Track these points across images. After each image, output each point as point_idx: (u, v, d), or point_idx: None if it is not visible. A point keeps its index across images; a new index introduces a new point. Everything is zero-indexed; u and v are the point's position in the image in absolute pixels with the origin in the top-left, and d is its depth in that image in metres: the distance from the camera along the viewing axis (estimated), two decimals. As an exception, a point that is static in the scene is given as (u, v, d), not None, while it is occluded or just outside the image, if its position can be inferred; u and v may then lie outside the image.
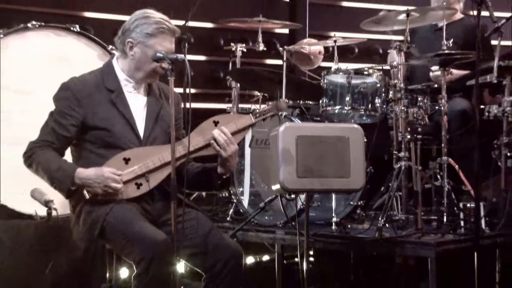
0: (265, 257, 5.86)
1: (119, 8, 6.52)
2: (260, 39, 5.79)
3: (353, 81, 5.47)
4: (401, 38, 5.70)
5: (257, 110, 4.51)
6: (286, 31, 6.72)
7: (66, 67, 4.88)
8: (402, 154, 5.13)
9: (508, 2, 7.60)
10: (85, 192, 3.85)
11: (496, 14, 5.17)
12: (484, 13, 4.95)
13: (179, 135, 4.03)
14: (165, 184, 3.96)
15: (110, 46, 5.32)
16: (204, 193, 5.68)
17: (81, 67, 4.57)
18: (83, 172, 3.86)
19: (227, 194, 5.72)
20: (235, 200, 5.61)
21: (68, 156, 4.18)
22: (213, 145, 3.97)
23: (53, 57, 5.21)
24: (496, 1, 5.72)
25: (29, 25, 5.19)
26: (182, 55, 4.03)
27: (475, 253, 4.46)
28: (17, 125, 4.83)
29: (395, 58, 5.61)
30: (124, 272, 4.69)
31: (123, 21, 6.07)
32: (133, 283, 3.79)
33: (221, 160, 4.05)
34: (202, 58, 4.10)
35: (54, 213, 4.06)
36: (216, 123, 4.09)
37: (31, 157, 3.95)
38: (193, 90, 3.96)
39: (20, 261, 4.91)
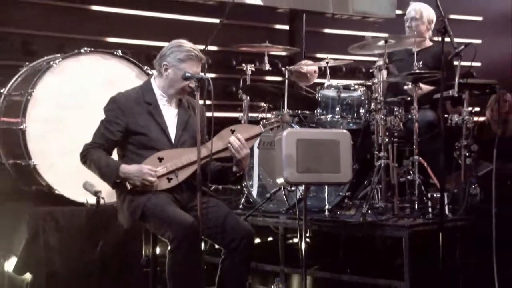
0: (270, 238, 5.92)
1: (150, 36, 6.54)
2: (266, 60, 5.80)
3: (342, 95, 5.48)
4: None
5: (266, 121, 4.60)
6: (287, 54, 6.71)
7: (111, 84, 4.90)
8: (381, 154, 5.14)
9: (467, 30, 7.78)
10: (127, 184, 3.98)
11: (458, 40, 5.21)
12: (448, 40, 5.02)
13: (203, 140, 4.08)
14: (190, 178, 4.05)
15: (146, 67, 5.37)
16: (220, 186, 5.69)
17: (123, 84, 4.63)
18: (126, 168, 3.98)
19: (239, 187, 5.68)
20: (246, 191, 5.59)
21: (114, 155, 4.25)
22: (230, 148, 4.09)
23: (101, 77, 5.18)
24: (457, 29, 5.86)
25: (82, 50, 5.17)
26: (205, 75, 4.08)
27: (440, 234, 4.51)
28: (73, 133, 4.80)
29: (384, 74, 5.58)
30: (159, 249, 4.59)
31: (154, 46, 6.20)
32: (167, 258, 3.89)
33: (235, 161, 4.15)
34: (218, 76, 4.16)
35: (101, 201, 4.45)
36: (232, 131, 4.18)
37: (86, 156, 4.07)
38: (211, 102, 4.09)
39: (74, 240, 4.88)
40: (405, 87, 5.43)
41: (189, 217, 3.86)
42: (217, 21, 6.27)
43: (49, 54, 5.53)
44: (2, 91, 5.33)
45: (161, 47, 5.85)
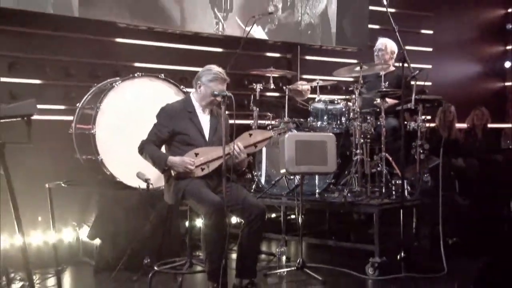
0: (274, 214, 5.97)
1: (182, 62, 6.44)
2: (271, 81, 5.75)
3: (328, 107, 5.46)
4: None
5: (276, 128, 4.71)
6: (286, 76, 6.57)
7: (156, 100, 4.82)
8: (358, 151, 5.15)
9: (421, 58, 7.73)
10: (172, 171, 4.05)
11: (414, 65, 5.27)
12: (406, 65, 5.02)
13: (226, 141, 4.02)
14: (218, 169, 4.06)
15: (182, 86, 5.34)
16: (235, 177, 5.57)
17: (165, 99, 4.62)
18: (172, 159, 4.05)
19: (251, 176, 5.65)
20: (256, 179, 5.56)
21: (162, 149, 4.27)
22: (234, 154, 4.07)
23: (149, 94, 5.16)
24: (413, 57, 5.80)
25: (135, 75, 5.17)
26: (228, 92, 4.11)
27: (401, 210, 4.64)
28: (128, 136, 4.75)
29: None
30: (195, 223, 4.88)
31: (186, 71, 6.31)
32: (202, 227, 4.01)
33: (239, 164, 4.21)
34: (235, 92, 4.26)
35: (150, 186, 4.40)
36: (250, 135, 4.26)
37: (142, 149, 4.14)
38: (230, 112, 4.19)
39: (130, 215, 4.89)
40: (375, 102, 5.38)
41: (217, 197, 3.90)
42: (230, 51, 6.34)
43: (107, 78, 5.52)
44: (77, 105, 5.31)
45: (181, 71, 6.04)
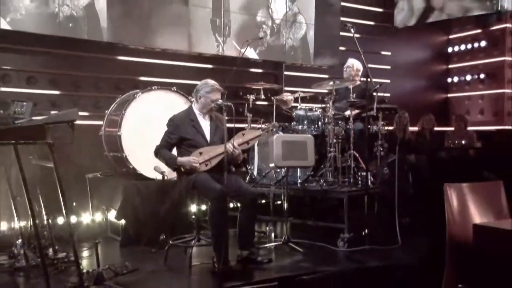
0: (263, 201, 5.79)
1: (190, 77, 6.26)
2: (262, 92, 5.72)
3: (308, 113, 5.44)
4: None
5: (263, 128, 4.67)
6: (274, 88, 6.33)
7: (170, 108, 4.78)
8: (331, 149, 5.15)
9: (381, 74, 7.57)
10: (182, 168, 4.05)
11: (375, 80, 5.36)
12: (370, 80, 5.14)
13: (224, 140, 3.96)
14: (219, 163, 4.02)
15: (190, 97, 5.07)
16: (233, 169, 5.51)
17: (176, 108, 4.67)
18: (180, 160, 4.07)
19: (245, 169, 5.59)
20: (250, 172, 5.54)
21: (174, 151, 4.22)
22: (228, 150, 3.96)
23: (164, 103, 5.14)
24: (375, 74, 5.77)
25: (152, 88, 5.19)
26: (224, 101, 4.08)
27: (365, 196, 4.74)
28: (147, 138, 4.69)
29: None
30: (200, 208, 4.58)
31: (192, 84, 6.04)
32: (208, 211, 3.97)
33: (235, 157, 4.17)
34: (232, 101, 4.23)
35: (165, 177, 4.52)
36: (243, 134, 4.24)
37: (157, 152, 4.15)
38: (229, 117, 4.19)
39: (149, 201, 4.87)
40: (346, 112, 5.40)
41: (220, 186, 3.86)
42: (228, 68, 6.12)
43: (129, 90, 5.49)
44: (106, 112, 5.30)
45: (189, 84, 5.90)
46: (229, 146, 4.04)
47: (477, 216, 2.16)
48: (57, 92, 5.64)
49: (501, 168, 4.54)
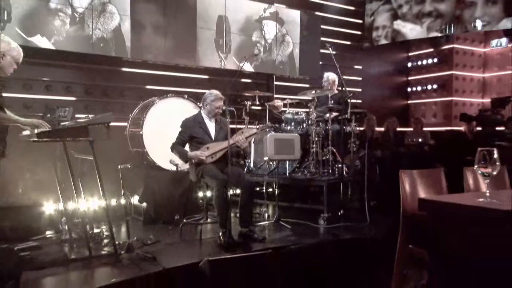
0: (258, 188, 5.42)
1: (197, 87, 6.23)
2: (256, 99, 5.67)
3: (295, 117, 5.41)
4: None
5: (258, 127, 4.76)
6: (266, 95, 6.15)
7: (182, 112, 4.76)
8: (314, 146, 5.15)
9: (354, 84, 7.71)
10: (192, 160, 4.09)
11: (349, 89, 5.49)
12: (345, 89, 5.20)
13: (227, 138, 4.00)
14: (223, 156, 4.08)
15: (198, 103, 5.16)
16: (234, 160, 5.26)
17: (187, 112, 4.65)
18: (190, 154, 4.11)
19: (243, 162, 5.50)
20: (247, 164, 5.46)
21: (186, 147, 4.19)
22: (237, 142, 4.12)
23: (177, 108, 5.13)
24: (349, 84, 5.97)
25: (168, 95, 5.20)
26: (228, 107, 4.11)
27: (341, 184, 4.80)
28: (163, 136, 4.58)
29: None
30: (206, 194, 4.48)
31: (200, 92, 5.82)
32: (214, 195, 3.94)
33: (241, 148, 4.26)
34: (232, 106, 4.17)
35: (179, 169, 4.68)
36: (242, 132, 4.24)
37: (173, 148, 4.16)
38: (232, 120, 4.18)
39: (166, 187, 4.83)
40: (325, 115, 5.31)
41: (224, 176, 3.91)
42: (229, 79, 5.97)
43: (149, 97, 5.40)
44: (130, 115, 5.29)
45: (197, 92, 5.83)
46: (240, 138, 4.09)
47: (422, 193, 2.20)
48: (90, 99, 5.66)
49: (448, 160, 4.63)
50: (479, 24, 6.91)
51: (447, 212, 1.69)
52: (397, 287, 2.45)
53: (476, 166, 1.72)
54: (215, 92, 4.25)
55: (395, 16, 7.79)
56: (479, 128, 6.13)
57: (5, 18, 4.83)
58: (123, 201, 4.49)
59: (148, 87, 6.09)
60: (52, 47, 5.20)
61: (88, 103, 5.63)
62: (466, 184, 2.23)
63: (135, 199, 4.94)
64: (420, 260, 2.21)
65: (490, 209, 1.56)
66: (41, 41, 5.10)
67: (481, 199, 1.69)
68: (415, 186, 2.27)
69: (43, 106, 4.88)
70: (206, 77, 6.58)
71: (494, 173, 1.70)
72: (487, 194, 1.72)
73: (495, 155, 1.69)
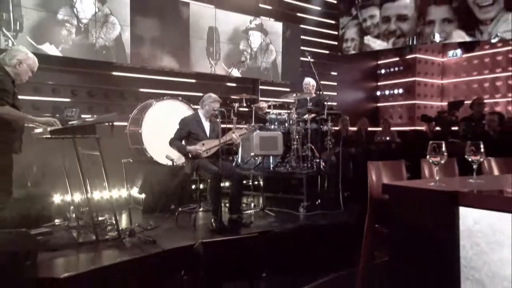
0: (245, 181, 5.18)
1: (190, 90, 6.28)
2: (244, 101, 5.62)
3: (278, 117, 5.40)
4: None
5: (247, 128, 4.64)
6: (252, 98, 5.96)
7: (177, 113, 4.78)
8: (294, 143, 5.14)
9: (331, 88, 7.73)
10: (189, 154, 4.06)
11: (326, 93, 5.51)
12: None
13: (219, 136, 4.04)
14: (215, 152, 4.07)
15: (191, 104, 5.27)
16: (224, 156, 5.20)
17: (181, 113, 4.64)
18: (188, 148, 4.07)
19: (232, 158, 5.51)
20: (235, 159, 5.47)
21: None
22: (232, 139, 4.13)
23: (173, 110, 5.09)
24: (326, 88, 5.88)
25: (164, 98, 5.17)
26: (219, 108, 4.09)
27: (319, 177, 4.82)
28: (161, 134, 4.50)
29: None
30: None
31: (192, 95, 6.05)
32: (208, 186, 4.00)
33: (234, 145, 4.29)
34: (224, 108, 4.11)
35: (174, 163, 4.65)
36: (233, 132, 4.25)
37: (171, 142, 4.12)
38: (223, 120, 4.14)
39: (163, 180, 4.76)
40: (305, 116, 5.30)
41: (217, 168, 3.89)
42: (219, 83, 6.22)
43: (146, 100, 5.34)
44: (130, 115, 5.25)
45: (190, 95, 5.86)
46: (234, 136, 4.11)
47: (386, 180, 2.32)
48: (93, 101, 5.66)
49: (412, 155, 4.77)
50: (437, 37, 7.17)
51: (405, 194, 1.81)
52: (365, 263, 2.54)
53: (428, 156, 1.85)
54: (213, 95, 4.27)
55: (362, 30, 7.93)
56: (438, 128, 6.23)
57: (18, 28, 4.86)
58: (126, 191, 4.50)
59: (146, 90, 6.06)
60: (60, 54, 5.23)
61: (91, 105, 5.65)
62: (422, 173, 2.35)
63: (134, 191, 4.92)
64: (384, 238, 2.28)
65: (437, 190, 1.68)
66: (49, 49, 5.13)
67: (431, 184, 1.83)
68: (380, 175, 2.38)
69: (50, 107, 4.93)
70: (198, 81, 6.58)
71: (442, 161, 1.82)
72: (437, 180, 1.87)
73: (443, 148, 1.82)
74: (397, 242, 1.85)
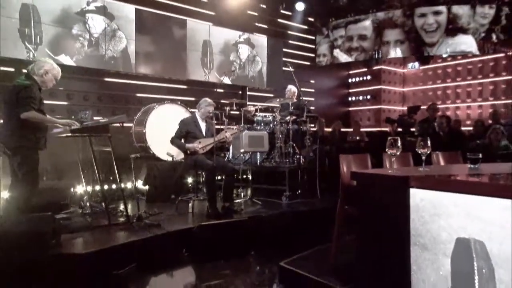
0: (234, 175, 5.61)
1: (187, 95, 6.24)
2: (234, 105, 5.49)
3: (264, 119, 5.40)
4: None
5: (237, 128, 4.68)
6: (242, 103, 5.76)
7: (176, 115, 4.82)
8: (278, 141, 5.16)
9: (309, 95, 7.77)
10: (188, 151, 4.07)
11: (306, 98, 5.57)
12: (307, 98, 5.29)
13: (213, 135, 4.07)
14: (210, 149, 4.08)
15: (188, 108, 5.25)
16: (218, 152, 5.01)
17: (180, 115, 4.69)
18: (187, 145, 4.06)
19: (223, 155, 5.33)
20: (227, 155, 5.37)
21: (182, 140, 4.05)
22: (225, 138, 4.15)
23: (173, 112, 5.08)
24: (305, 94, 5.90)
25: (165, 102, 5.17)
26: (216, 111, 4.18)
27: (299, 170, 4.92)
28: (162, 134, 4.52)
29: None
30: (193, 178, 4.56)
31: (188, 100, 5.96)
32: (204, 179, 4.13)
33: (227, 142, 4.29)
34: (217, 111, 4.07)
35: (174, 159, 4.67)
36: (226, 131, 4.27)
37: (173, 141, 4.14)
38: (216, 122, 4.14)
39: (163, 173, 4.81)
40: (287, 118, 5.29)
41: (212, 163, 3.92)
42: (212, 89, 6.19)
43: (148, 104, 5.30)
44: (134, 117, 5.22)
45: (186, 100, 5.73)
46: (227, 135, 4.12)
47: (354, 169, 2.44)
48: (101, 105, 5.66)
49: (378, 152, 4.91)
50: (392, 53, 7.61)
51: (369, 180, 1.92)
52: (338, 238, 2.66)
53: (387, 149, 2.01)
54: (209, 100, 4.29)
55: (332, 46, 8.18)
56: (399, 129, 6.37)
57: (38, 41, 4.90)
58: (133, 183, 4.58)
59: (148, 95, 6.06)
60: (74, 64, 5.24)
61: (100, 108, 5.62)
62: (384, 164, 2.52)
63: (139, 183, 4.95)
64: (353, 218, 2.37)
65: (394, 176, 1.83)
66: (65, 59, 5.15)
67: (390, 171, 2.01)
68: (350, 166, 2.50)
69: (65, 110, 5.01)
70: (194, 88, 6.58)
71: (398, 153, 1.98)
72: (394, 168, 2.06)
73: (398, 143, 1.97)
74: (364, 218, 1.94)
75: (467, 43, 6.75)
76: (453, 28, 6.78)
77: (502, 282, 1.35)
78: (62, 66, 5.18)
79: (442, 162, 2.78)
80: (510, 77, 7.53)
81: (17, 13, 4.69)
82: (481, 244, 1.40)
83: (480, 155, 2.00)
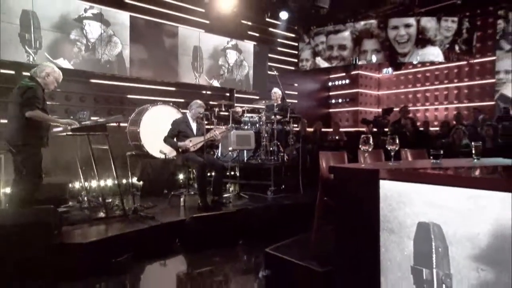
0: (223, 171, 5.69)
1: (178, 97, 6.29)
2: (223, 107, 5.61)
3: (251, 119, 5.40)
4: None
5: (226, 128, 4.66)
6: (230, 104, 5.83)
7: (168, 115, 4.81)
8: (264, 140, 5.18)
9: (293, 97, 7.81)
10: (179, 149, 4.07)
11: (289, 100, 5.64)
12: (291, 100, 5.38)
13: (203, 134, 4.08)
14: (201, 147, 4.09)
15: (179, 109, 5.25)
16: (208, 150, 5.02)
17: (172, 116, 4.69)
18: (179, 143, 4.07)
19: (213, 152, 5.20)
20: (216, 153, 5.37)
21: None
22: (214, 137, 4.15)
23: (165, 113, 5.06)
24: (289, 97, 6.07)
25: (158, 103, 5.15)
26: (206, 112, 4.21)
27: (283, 167, 4.94)
28: (156, 133, 4.48)
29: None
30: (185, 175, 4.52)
31: (179, 101, 6.04)
32: (195, 175, 4.08)
33: (216, 140, 4.25)
34: (206, 112, 4.08)
35: (167, 157, 4.46)
36: (214, 130, 4.24)
37: (165, 139, 4.12)
38: (206, 122, 4.10)
39: (156, 170, 4.82)
40: (272, 118, 5.27)
41: (202, 160, 3.93)
42: (202, 91, 6.21)
43: (142, 105, 5.30)
44: (129, 117, 5.18)
45: (178, 101, 5.78)
46: (217, 133, 4.10)
47: (332, 164, 2.49)
48: (97, 106, 5.64)
49: (355, 150, 5.01)
50: (369, 59, 7.93)
51: (345, 173, 1.99)
52: (317, 228, 2.69)
53: (360, 146, 2.11)
54: (199, 101, 4.30)
55: (314, 53, 8.36)
56: (375, 129, 6.53)
57: (37, 46, 4.88)
58: (128, 179, 4.56)
59: (142, 97, 6.04)
60: (71, 67, 5.24)
61: (96, 109, 5.61)
62: (359, 159, 2.62)
63: (134, 179, 4.92)
64: (331, 209, 2.40)
65: (366, 169, 1.91)
66: (63, 63, 5.13)
67: (363, 165, 2.13)
68: (328, 161, 2.56)
69: (63, 111, 5.00)
70: (185, 90, 6.55)
71: (370, 149, 2.07)
72: (367, 163, 2.18)
73: (370, 140, 2.08)
74: (340, 208, 2.01)
75: (434, 53, 7.21)
76: (422, 39, 7.22)
77: (454, 260, 1.47)
78: (60, 69, 5.21)
79: (410, 158, 2.90)
80: (471, 83, 7.89)
81: (17, 19, 4.69)
82: (438, 227, 1.50)
83: (442, 152, 2.14)
